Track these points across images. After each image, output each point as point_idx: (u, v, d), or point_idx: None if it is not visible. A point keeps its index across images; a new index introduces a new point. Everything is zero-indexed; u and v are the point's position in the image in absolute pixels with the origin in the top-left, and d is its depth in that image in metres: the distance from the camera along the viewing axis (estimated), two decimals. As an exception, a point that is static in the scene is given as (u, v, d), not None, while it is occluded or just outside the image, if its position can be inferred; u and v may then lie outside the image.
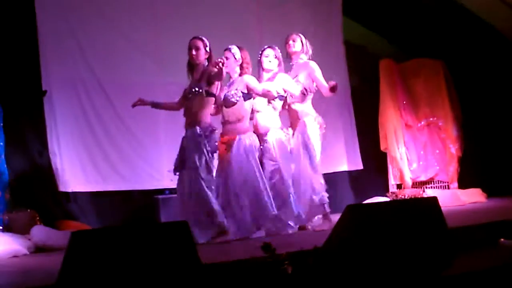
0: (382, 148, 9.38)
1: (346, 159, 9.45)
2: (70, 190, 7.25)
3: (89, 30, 7.58)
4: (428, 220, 4.19)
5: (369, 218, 4.07)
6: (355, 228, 4.08)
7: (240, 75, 6.47)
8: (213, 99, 6.18)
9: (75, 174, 7.32)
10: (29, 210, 6.53)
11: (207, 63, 6.15)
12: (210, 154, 6.03)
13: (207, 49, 6.14)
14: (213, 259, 4.69)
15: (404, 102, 9.46)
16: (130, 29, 7.82)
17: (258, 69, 6.75)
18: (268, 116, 6.61)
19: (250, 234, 6.14)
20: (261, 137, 6.55)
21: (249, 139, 6.38)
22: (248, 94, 6.39)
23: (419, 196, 8.86)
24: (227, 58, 6.43)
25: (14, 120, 7.01)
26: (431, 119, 9.57)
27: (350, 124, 9.58)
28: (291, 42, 6.94)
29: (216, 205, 5.97)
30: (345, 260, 4.26)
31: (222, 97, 6.40)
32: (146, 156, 7.81)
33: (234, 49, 6.48)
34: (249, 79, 6.40)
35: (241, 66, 6.50)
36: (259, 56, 6.73)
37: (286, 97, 6.73)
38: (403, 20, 9.77)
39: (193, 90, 6.07)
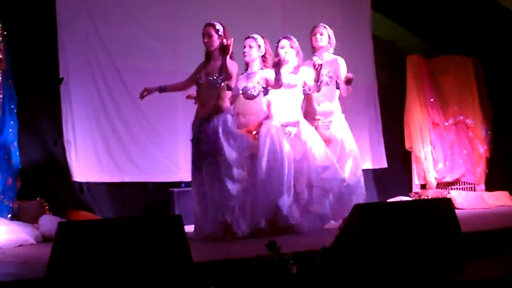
0: (406, 146, 9.15)
1: (371, 157, 9.22)
2: (84, 180, 7.14)
3: (107, 18, 7.47)
4: (440, 222, 3.98)
5: (377, 218, 3.88)
6: (362, 228, 3.90)
7: (262, 68, 6.27)
8: (230, 93, 6.00)
9: (90, 163, 7.21)
10: (38, 199, 6.43)
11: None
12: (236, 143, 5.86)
13: (220, 33, 5.94)
14: (216, 256, 4.55)
15: (432, 100, 9.21)
16: (148, 18, 7.71)
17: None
18: (284, 110, 6.39)
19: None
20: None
21: (274, 127, 6.15)
22: (267, 89, 6.20)
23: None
24: (250, 47, 6.24)
25: (30, 107, 6.91)
26: (460, 117, 9.29)
27: (375, 121, 9.34)
28: (318, 36, 6.70)
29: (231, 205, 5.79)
30: (352, 262, 4.08)
31: (241, 89, 6.20)
32: (164, 147, 7.67)
33: (259, 39, 6.27)
34: (270, 74, 6.19)
35: (264, 58, 6.30)
36: (276, 48, 6.51)
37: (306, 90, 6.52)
38: (434, 15, 9.49)
39: (212, 81, 5.87)
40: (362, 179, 6.63)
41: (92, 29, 7.37)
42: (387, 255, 3.86)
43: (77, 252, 3.12)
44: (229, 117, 5.83)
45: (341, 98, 8.70)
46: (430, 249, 3.92)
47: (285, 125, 6.29)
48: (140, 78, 7.46)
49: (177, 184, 7.57)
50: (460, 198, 8.65)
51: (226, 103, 5.91)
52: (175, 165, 7.64)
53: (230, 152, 5.73)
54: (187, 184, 7.24)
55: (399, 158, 9.39)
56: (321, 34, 6.67)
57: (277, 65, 5.94)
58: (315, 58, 6.37)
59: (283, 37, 6.52)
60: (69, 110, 7.12)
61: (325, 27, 6.71)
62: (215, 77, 5.85)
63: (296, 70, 6.43)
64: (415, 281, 3.96)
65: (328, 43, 6.70)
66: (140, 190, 7.60)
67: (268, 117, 6.20)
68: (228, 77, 5.83)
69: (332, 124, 6.62)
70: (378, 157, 9.26)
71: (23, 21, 6.94)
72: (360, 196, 6.54)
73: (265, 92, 6.17)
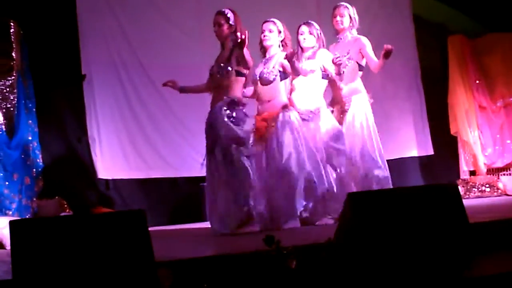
0: (452, 131, 8.67)
1: (416, 144, 8.82)
2: (110, 177, 7.03)
3: (130, 11, 7.36)
4: (445, 211, 3.62)
5: (373, 207, 3.57)
6: (357, 219, 3.58)
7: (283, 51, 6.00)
8: (243, 78, 5.75)
9: (116, 160, 7.11)
10: (57, 198, 6.33)
11: (234, 37, 5.69)
12: (239, 126, 5.59)
13: (231, 22, 5.69)
14: (210, 251, 4.34)
15: (477, 82, 8.69)
16: (172, 10, 7.54)
17: (297, 48, 6.23)
18: (306, 97, 6.09)
19: (282, 224, 5.67)
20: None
21: (293, 114, 5.86)
22: (285, 73, 5.93)
23: (493, 185, 8.18)
24: (270, 31, 5.97)
25: (52, 105, 6.88)
26: (509, 99, 8.73)
27: (420, 106, 8.90)
28: (338, 18, 6.36)
29: (250, 189, 5.53)
30: (353, 255, 3.78)
31: (258, 74, 5.96)
32: (193, 140, 7.44)
33: (279, 23, 6.00)
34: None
35: (283, 43, 6.02)
36: (296, 34, 6.19)
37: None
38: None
39: (222, 69, 5.65)
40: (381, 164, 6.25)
41: (114, 23, 7.26)
42: (384, 247, 3.55)
43: (32, 250, 2.95)
44: (233, 101, 5.58)
45: (381, 82, 8.32)
46: (433, 240, 3.57)
47: (304, 114, 6.01)
48: (165, 71, 7.25)
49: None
50: (511, 184, 8.15)
51: (236, 91, 5.66)
52: (206, 159, 7.43)
53: (235, 132, 5.51)
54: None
55: (447, 144, 8.91)
56: (342, 16, 6.32)
57: (289, 57, 5.69)
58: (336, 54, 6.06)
59: (303, 23, 6.19)
60: (92, 107, 7.03)
61: (346, 7, 6.34)
62: (223, 65, 5.62)
63: (313, 55, 6.12)
64: (420, 275, 3.63)
65: (350, 23, 6.34)
66: (171, 185, 7.45)
67: (286, 106, 5.91)
68: (247, 66, 5.60)
69: (352, 102, 6.25)
70: (424, 144, 8.84)
71: (42, 18, 6.91)
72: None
73: (283, 76, 5.89)
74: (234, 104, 5.58)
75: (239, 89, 5.70)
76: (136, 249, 2.99)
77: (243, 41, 5.34)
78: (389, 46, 5.92)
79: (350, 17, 6.34)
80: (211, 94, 5.87)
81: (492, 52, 8.77)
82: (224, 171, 5.52)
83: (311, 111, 6.05)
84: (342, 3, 6.39)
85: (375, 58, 6.22)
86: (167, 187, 7.43)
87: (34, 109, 6.43)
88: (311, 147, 5.90)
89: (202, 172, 7.32)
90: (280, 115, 5.84)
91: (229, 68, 5.61)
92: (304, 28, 6.15)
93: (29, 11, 6.74)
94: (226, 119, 5.54)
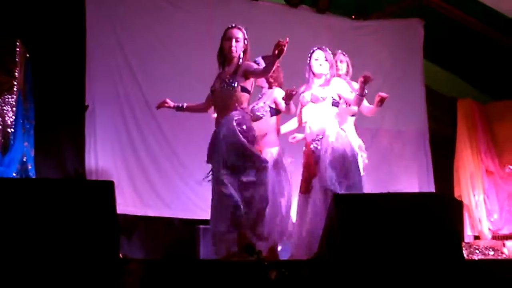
0: (455, 195, 8.48)
1: (420, 207, 8.62)
2: (104, 211, 6.88)
3: (138, 47, 7.40)
4: (433, 220, 3.46)
5: (358, 210, 3.42)
6: (341, 220, 3.43)
7: (269, 87, 6.03)
8: (248, 96, 5.48)
9: (111, 194, 6.97)
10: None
11: (243, 56, 5.49)
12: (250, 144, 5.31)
13: (246, 41, 5.54)
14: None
15: (486, 147, 8.57)
16: (179, 48, 7.57)
17: (308, 74, 5.97)
18: (315, 123, 5.92)
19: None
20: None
21: (276, 153, 5.85)
22: (276, 110, 5.88)
23: (497, 249, 7.94)
24: None
25: (53, 132, 6.85)
26: (518, 167, 8.59)
27: (426, 170, 8.80)
28: (339, 63, 6.28)
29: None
30: (336, 267, 3.61)
31: (250, 109, 5.88)
32: (192, 183, 7.33)
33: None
34: (278, 94, 5.89)
35: (270, 80, 6.01)
36: (309, 59, 5.94)
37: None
38: (489, 63, 9.00)
39: (228, 82, 5.41)
40: None
41: (122, 59, 7.31)
42: (368, 252, 3.38)
43: None
44: (237, 116, 5.31)
45: (388, 142, 8.19)
46: (418, 248, 3.40)
47: (315, 139, 5.80)
48: (170, 113, 7.22)
49: (206, 221, 7.17)
50: (516, 251, 7.92)
51: (242, 105, 5.42)
52: (204, 201, 7.24)
53: (228, 155, 5.24)
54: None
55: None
56: (341, 62, 6.27)
57: (288, 97, 5.58)
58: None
59: (317, 48, 5.93)
60: (93, 139, 6.99)
61: (344, 54, 6.30)
62: (229, 80, 5.44)
63: (327, 82, 5.87)
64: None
65: (347, 71, 6.29)
66: (165, 225, 7.34)
67: (270, 143, 5.90)
68: (248, 75, 5.37)
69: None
70: (428, 207, 8.65)
71: (50, 46, 6.95)
72: None
73: (273, 112, 5.88)
74: (244, 115, 5.37)
75: (245, 104, 5.45)
76: (101, 219, 2.85)
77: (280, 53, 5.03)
78: (384, 94, 5.83)
79: (348, 65, 6.29)
80: (214, 112, 5.68)
81: (502, 117, 8.70)
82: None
83: (316, 136, 5.83)
84: (340, 51, 6.35)
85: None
86: (162, 226, 7.30)
87: (32, 132, 6.33)
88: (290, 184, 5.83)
89: (198, 215, 7.25)
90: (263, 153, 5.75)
91: (235, 83, 5.43)
92: (319, 53, 5.88)
93: (37, 38, 6.79)
94: (237, 130, 5.26)
